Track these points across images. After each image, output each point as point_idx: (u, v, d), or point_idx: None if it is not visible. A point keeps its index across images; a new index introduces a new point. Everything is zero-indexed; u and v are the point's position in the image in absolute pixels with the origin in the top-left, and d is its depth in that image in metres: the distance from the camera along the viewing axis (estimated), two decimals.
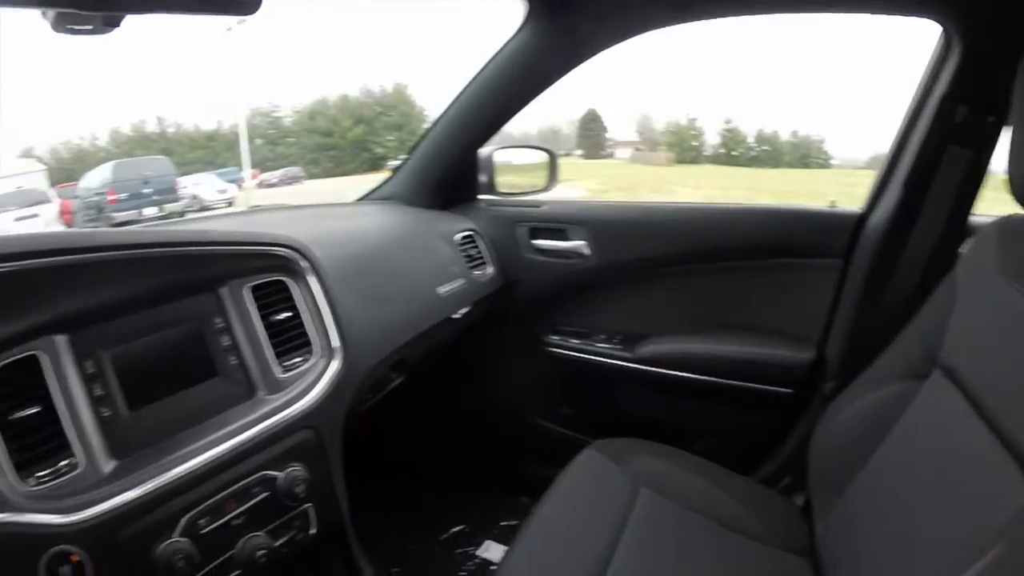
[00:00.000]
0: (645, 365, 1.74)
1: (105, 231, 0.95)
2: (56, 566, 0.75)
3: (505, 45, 1.64)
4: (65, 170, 30.61)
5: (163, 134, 40.71)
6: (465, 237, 1.84)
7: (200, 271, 1.04)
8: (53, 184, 19.10)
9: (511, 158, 1.97)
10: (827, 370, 1.54)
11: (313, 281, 1.17)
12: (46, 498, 0.78)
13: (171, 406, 0.96)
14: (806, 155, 37.87)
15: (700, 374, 1.65)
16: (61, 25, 0.72)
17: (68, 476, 0.82)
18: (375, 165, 36.30)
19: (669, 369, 1.69)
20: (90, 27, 0.73)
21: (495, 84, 1.72)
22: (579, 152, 40.74)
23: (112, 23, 0.76)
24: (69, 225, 13.11)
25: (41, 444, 0.81)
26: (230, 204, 17.88)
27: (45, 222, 12.22)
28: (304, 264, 1.17)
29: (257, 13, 0.80)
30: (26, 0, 0.68)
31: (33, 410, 0.81)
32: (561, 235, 1.86)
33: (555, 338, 1.93)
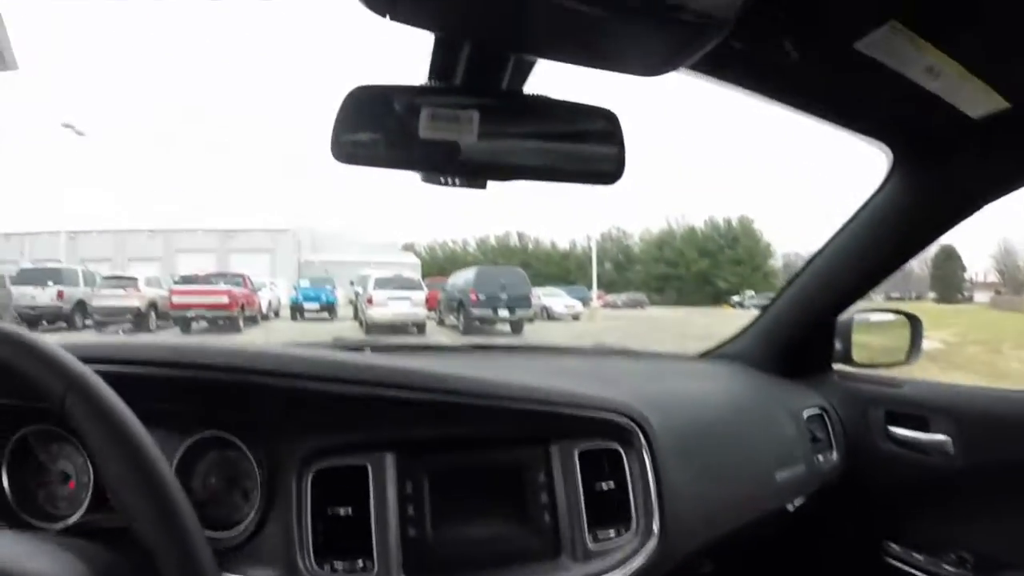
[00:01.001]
0: None
1: (456, 376, 1.04)
2: None
3: (870, 200, 1.53)
4: (437, 265, 37.09)
5: (523, 248, 46.74)
6: (813, 415, 1.67)
7: (535, 426, 1.09)
8: (424, 276, 23.38)
9: (868, 315, 1.84)
10: None
11: (647, 454, 1.16)
12: None
13: (474, 544, 1.01)
14: None
15: None
16: (431, 179, 0.89)
17: None
18: (717, 299, 36.60)
19: None
20: (456, 183, 0.89)
21: (860, 244, 1.60)
22: (932, 296, 36.27)
23: (476, 185, 0.91)
24: (432, 309, 16.08)
25: (345, 540, 0.93)
26: (575, 318, 20.05)
27: (412, 303, 14.60)
28: (640, 435, 1.16)
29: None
30: (404, 164, 0.86)
31: (348, 509, 0.94)
32: (921, 424, 1.62)
33: (895, 547, 1.68)
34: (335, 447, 0.96)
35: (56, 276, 14.46)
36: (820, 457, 1.64)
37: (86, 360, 0.82)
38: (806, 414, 1.67)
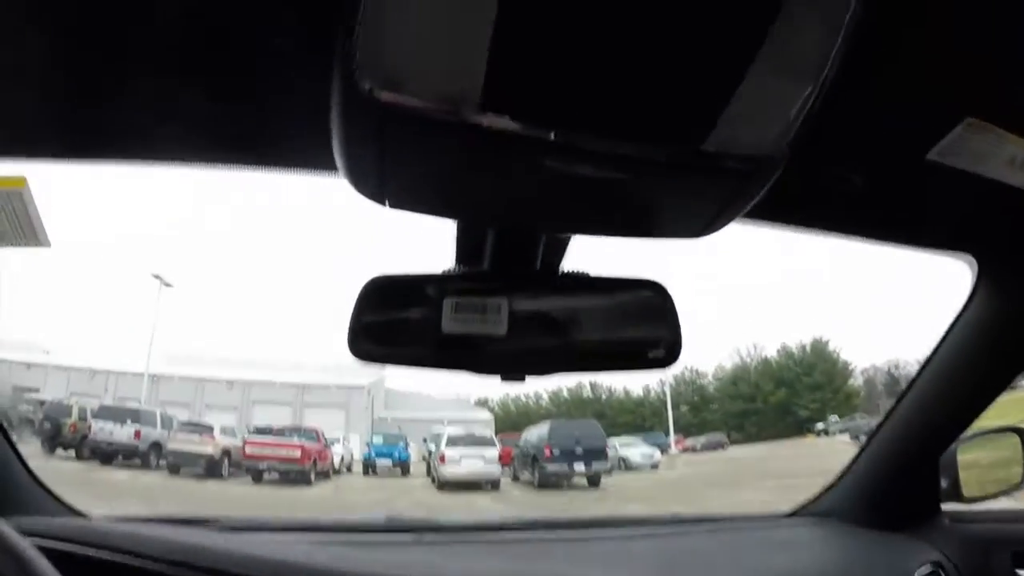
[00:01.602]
0: None
1: None
2: None
3: (958, 317, 1.41)
4: (511, 421, 36.47)
5: (597, 399, 45.73)
6: (927, 574, 1.47)
7: None
8: (497, 431, 22.86)
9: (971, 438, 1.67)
10: None
11: None
12: None
13: None
14: None
15: None
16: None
17: None
18: (799, 428, 34.74)
19: None
20: (496, 377, 0.83)
21: (956, 370, 1.47)
22: None
23: (512, 379, 0.84)
24: (506, 465, 15.74)
25: None
26: (655, 467, 19.27)
27: (485, 461, 14.49)
28: None
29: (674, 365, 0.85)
30: (428, 362, 0.83)
31: None
32: None
33: None
34: None
35: (135, 416, 15.11)
36: None
37: (103, 547, 0.82)
38: (918, 574, 1.48)
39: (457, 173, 0.66)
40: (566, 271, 0.90)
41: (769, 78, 0.56)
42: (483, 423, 24.51)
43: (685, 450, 26.79)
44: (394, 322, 0.84)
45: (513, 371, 0.85)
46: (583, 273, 0.89)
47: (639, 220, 0.76)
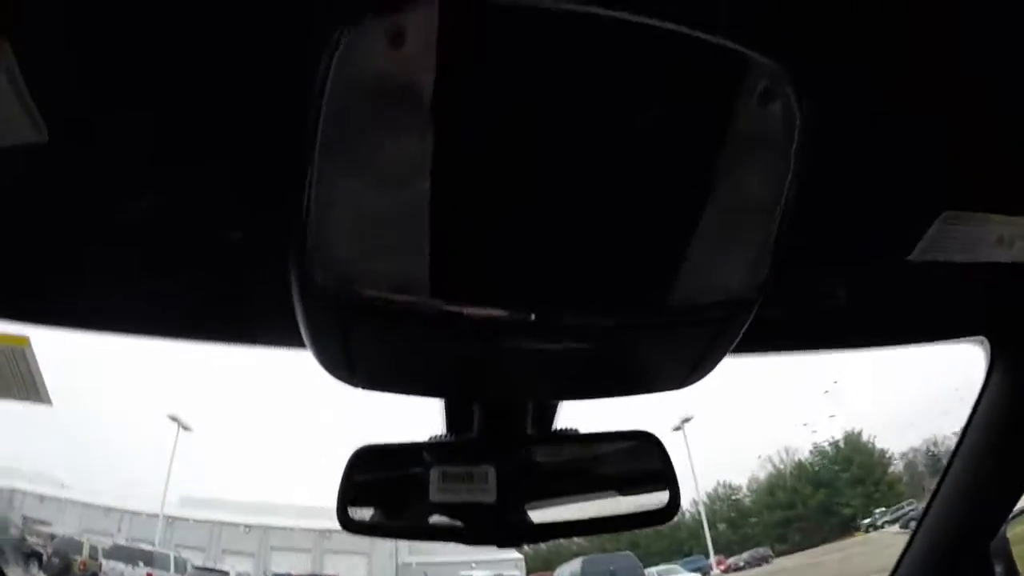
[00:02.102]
0: None
1: None
2: None
3: (979, 401, 1.38)
4: (541, 559, 34.88)
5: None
6: None
7: None
8: (529, 572, 21.92)
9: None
10: None
11: None
12: None
13: None
14: None
15: None
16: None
17: None
18: (845, 529, 32.80)
19: None
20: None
21: (987, 456, 1.42)
22: None
23: (507, 546, 0.89)
24: None
25: None
26: None
27: None
28: None
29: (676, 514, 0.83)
30: (419, 534, 0.84)
31: None
32: None
33: None
34: None
35: (148, 558, 14.72)
36: None
37: None
38: None
39: (422, 357, 0.65)
40: (557, 430, 0.87)
41: (724, 223, 0.56)
42: (512, 563, 23.71)
43: (727, 570, 25.59)
44: (382, 494, 0.82)
45: (507, 539, 0.83)
46: (573, 431, 0.86)
47: (620, 381, 0.75)
